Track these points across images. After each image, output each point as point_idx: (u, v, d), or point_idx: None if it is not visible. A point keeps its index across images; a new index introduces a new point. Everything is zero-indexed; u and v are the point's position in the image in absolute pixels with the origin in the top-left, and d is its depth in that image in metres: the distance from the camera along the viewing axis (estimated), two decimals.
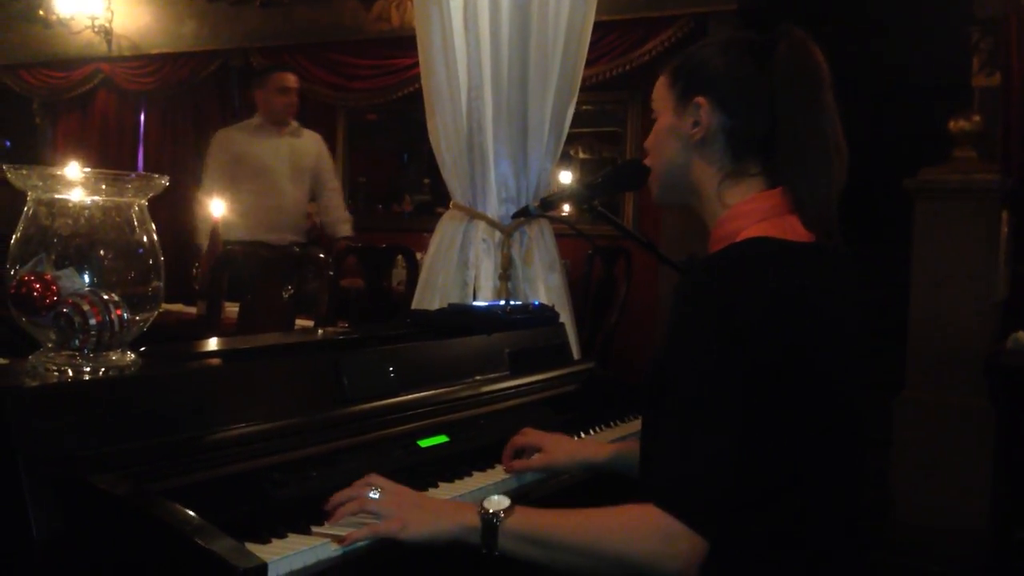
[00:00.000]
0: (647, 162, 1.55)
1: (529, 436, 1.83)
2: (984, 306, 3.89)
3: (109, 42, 7.73)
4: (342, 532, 1.34)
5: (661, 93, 1.49)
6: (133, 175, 1.43)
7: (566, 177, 6.44)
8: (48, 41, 7.99)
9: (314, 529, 1.36)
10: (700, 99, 1.42)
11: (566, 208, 2.69)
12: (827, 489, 1.32)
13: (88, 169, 1.42)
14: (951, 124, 3.99)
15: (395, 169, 7.38)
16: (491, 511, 1.31)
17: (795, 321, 1.27)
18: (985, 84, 4.15)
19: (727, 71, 1.41)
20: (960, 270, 3.90)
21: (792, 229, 1.36)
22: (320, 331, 2.27)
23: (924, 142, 4.22)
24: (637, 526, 1.24)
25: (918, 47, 5.00)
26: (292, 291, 3.48)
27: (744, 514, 1.26)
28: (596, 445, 1.87)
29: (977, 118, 4.01)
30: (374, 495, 1.39)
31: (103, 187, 1.42)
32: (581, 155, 6.58)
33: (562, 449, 1.79)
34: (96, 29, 7.66)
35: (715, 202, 1.43)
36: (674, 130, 1.46)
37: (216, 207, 5.61)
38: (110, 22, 7.69)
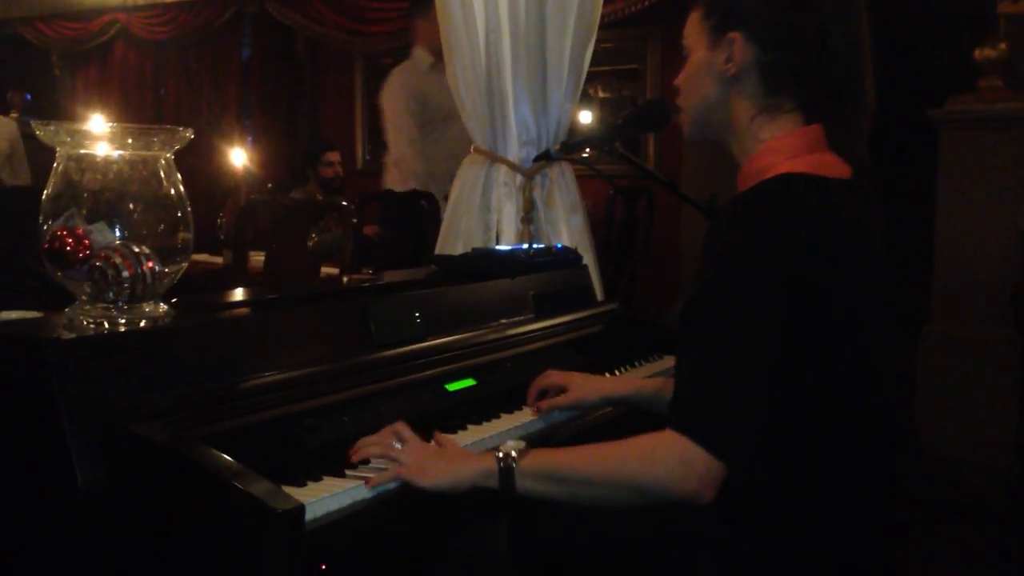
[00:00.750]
0: (679, 101, 1.54)
1: (553, 376, 1.86)
2: (1011, 237, 3.86)
3: None
4: (372, 475, 1.38)
5: (694, 29, 1.48)
6: (159, 129, 1.44)
7: (586, 117, 6.38)
8: None
9: (348, 472, 1.40)
10: (733, 34, 1.41)
11: (587, 150, 2.68)
12: (853, 421, 1.34)
13: (114, 124, 1.43)
14: (976, 53, 3.91)
15: None
16: (507, 453, 1.34)
17: (828, 255, 1.28)
18: (1011, 11, 4.05)
19: (760, 4, 1.39)
20: (986, 201, 3.86)
21: (825, 165, 1.37)
22: (346, 279, 2.29)
23: (949, 71, 4.14)
24: (654, 450, 1.26)
25: None
26: (316, 239, 3.51)
27: (766, 442, 1.27)
28: (621, 381, 1.90)
29: (1003, 46, 3.92)
30: (398, 445, 1.44)
31: (130, 142, 1.43)
32: (601, 94, 6.51)
33: (588, 386, 1.82)
34: None
35: (749, 138, 1.43)
36: (708, 66, 1.45)
37: (237, 157, 5.63)
38: None
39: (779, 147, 1.39)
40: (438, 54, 3.72)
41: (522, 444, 1.37)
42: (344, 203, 3.08)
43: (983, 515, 3.68)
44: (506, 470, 1.33)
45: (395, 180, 4.18)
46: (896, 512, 1.51)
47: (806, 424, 1.31)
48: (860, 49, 1.39)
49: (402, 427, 1.47)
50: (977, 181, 3.87)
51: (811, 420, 1.31)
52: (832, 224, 1.30)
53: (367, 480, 1.36)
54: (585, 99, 6.21)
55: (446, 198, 3.18)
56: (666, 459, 1.24)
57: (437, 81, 3.98)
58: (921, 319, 4.05)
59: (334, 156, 5.23)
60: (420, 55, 4.35)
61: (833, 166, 1.39)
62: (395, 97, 4.29)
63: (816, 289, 1.26)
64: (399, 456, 1.42)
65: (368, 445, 1.45)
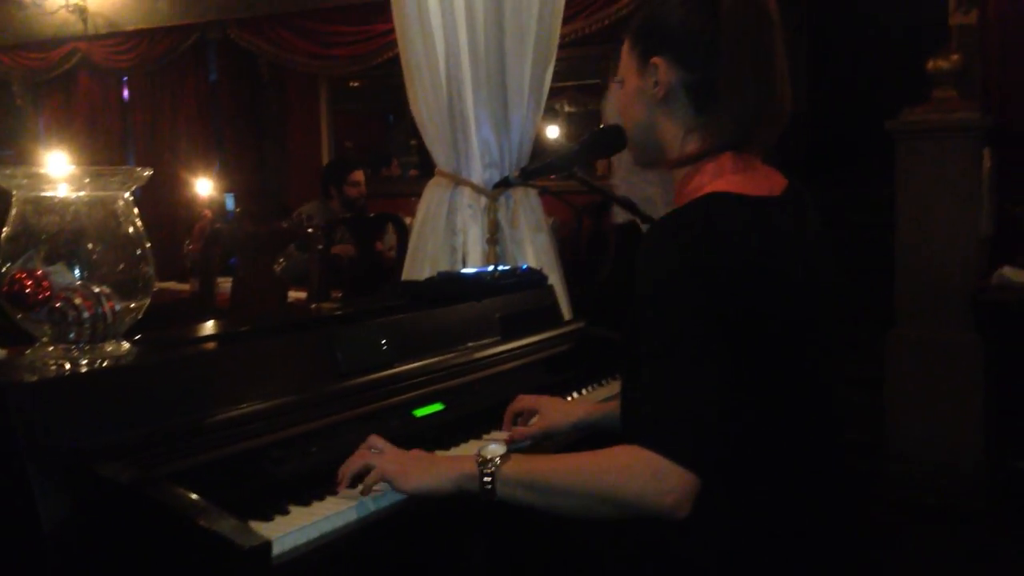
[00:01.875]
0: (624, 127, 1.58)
1: (525, 401, 1.87)
2: (969, 243, 3.92)
3: (84, 20, 7.67)
4: (344, 505, 1.39)
5: (625, 59, 1.52)
6: (116, 169, 1.45)
7: (553, 132, 6.43)
8: (24, 22, 7.93)
9: (316, 504, 1.41)
10: (656, 59, 1.44)
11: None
12: (803, 426, 1.38)
13: (72, 166, 1.44)
14: (930, 64, 3.98)
15: (381, 133, 7.37)
16: (487, 459, 1.36)
17: (754, 270, 1.32)
18: (962, 22, 4.14)
19: (680, 26, 1.43)
20: (944, 208, 3.92)
21: (752, 183, 1.40)
22: (313, 306, 2.29)
23: (904, 82, 4.21)
24: (628, 465, 1.28)
25: None
26: (283, 264, 3.51)
27: (731, 448, 1.31)
28: (588, 405, 1.92)
29: (956, 56, 4.00)
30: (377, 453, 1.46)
31: (87, 182, 1.44)
32: (567, 108, 6.56)
33: (558, 412, 1.83)
34: (70, 8, 7.59)
35: (681, 158, 1.46)
36: (639, 92, 1.48)
37: (204, 183, 5.60)
38: (84, 0, 7.62)
39: (707, 167, 1.42)
40: None
41: (503, 449, 1.38)
42: (309, 229, 3.08)
43: (951, 516, 3.73)
44: (486, 475, 1.35)
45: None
46: (863, 513, 1.54)
47: (756, 431, 1.34)
48: (774, 62, 1.41)
49: (376, 439, 1.49)
50: (934, 189, 3.93)
51: (760, 428, 1.35)
52: (756, 240, 1.33)
53: (362, 489, 1.39)
54: (551, 114, 6.25)
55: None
56: (640, 474, 1.26)
57: None
58: (889, 322, 4.11)
59: (360, 176, 5.17)
60: None
61: (761, 182, 1.42)
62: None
63: (744, 304, 1.30)
64: (381, 462, 1.43)
65: (348, 466, 1.46)
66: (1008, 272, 3.73)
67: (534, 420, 1.83)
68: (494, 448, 1.38)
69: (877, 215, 4.47)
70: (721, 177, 1.40)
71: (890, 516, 3.65)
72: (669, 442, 1.26)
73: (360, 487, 1.42)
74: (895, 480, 3.92)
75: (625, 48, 1.51)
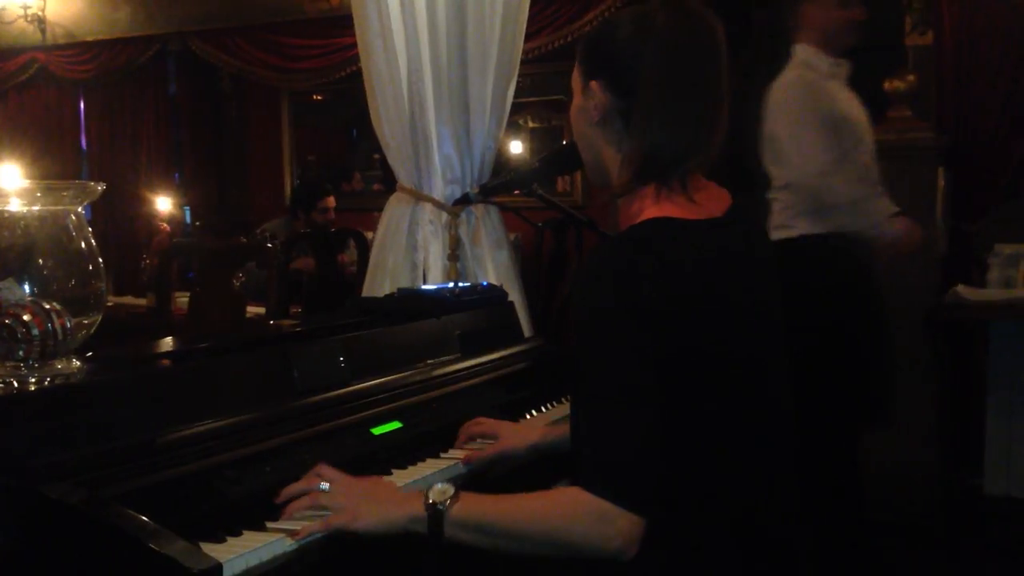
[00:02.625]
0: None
1: (484, 425, 1.86)
2: (924, 262, 3.98)
3: (43, 30, 7.56)
4: (297, 526, 1.37)
5: (574, 77, 1.51)
6: (68, 184, 1.43)
7: (516, 147, 6.44)
8: None
9: (269, 525, 1.39)
10: (593, 83, 1.44)
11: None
12: (752, 459, 1.36)
13: (23, 180, 1.41)
14: (886, 84, 4.05)
15: (344, 147, 7.33)
16: (435, 501, 1.33)
17: (693, 297, 1.30)
18: (918, 43, 4.21)
19: (616, 51, 1.42)
20: None
21: (694, 208, 1.38)
22: (271, 323, 2.27)
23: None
24: (573, 509, 1.27)
25: None
26: (242, 279, 3.47)
27: (676, 488, 1.29)
28: (544, 429, 1.89)
29: (911, 77, 4.07)
30: (324, 487, 1.42)
31: (39, 196, 1.42)
32: (531, 124, 6.57)
33: (516, 436, 1.81)
34: (29, 18, 7.48)
35: (621, 181, 1.44)
36: (582, 111, 1.48)
37: (162, 197, 5.53)
38: (43, 10, 7.51)
39: (646, 192, 1.39)
40: (830, 49, 3.04)
41: (451, 490, 1.34)
42: (268, 244, 3.06)
43: (907, 531, 3.77)
44: (435, 517, 1.33)
45: (789, 216, 3.03)
46: (822, 532, 1.54)
47: (700, 466, 1.33)
48: (708, 92, 1.39)
49: (324, 469, 1.45)
50: None
51: (704, 461, 1.33)
52: (695, 267, 1.31)
53: (299, 531, 1.35)
54: (514, 129, 6.26)
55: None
56: (585, 518, 1.26)
57: (841, 88, 3.10)
58: None
59: (330, 202, 5.09)
60: (810, 54, 3.05)
61: (703, 204, 1.39)
62: (797, 111, 3.02)
63: (684, 335, 1.28)
64: (329, 503, 1.40)
65: (294, 500, 1.42)
66: (962, 290, 3.79)
67: (489, 445, 1.82)
68: (442, 488, 1.35)
69: None
70: (659, 203, 1.37)
71: (843, 532, 3.67)
72: (612, 486, 1.25)
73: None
74: None
75: (575, 67, 1.51)
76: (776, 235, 2.91)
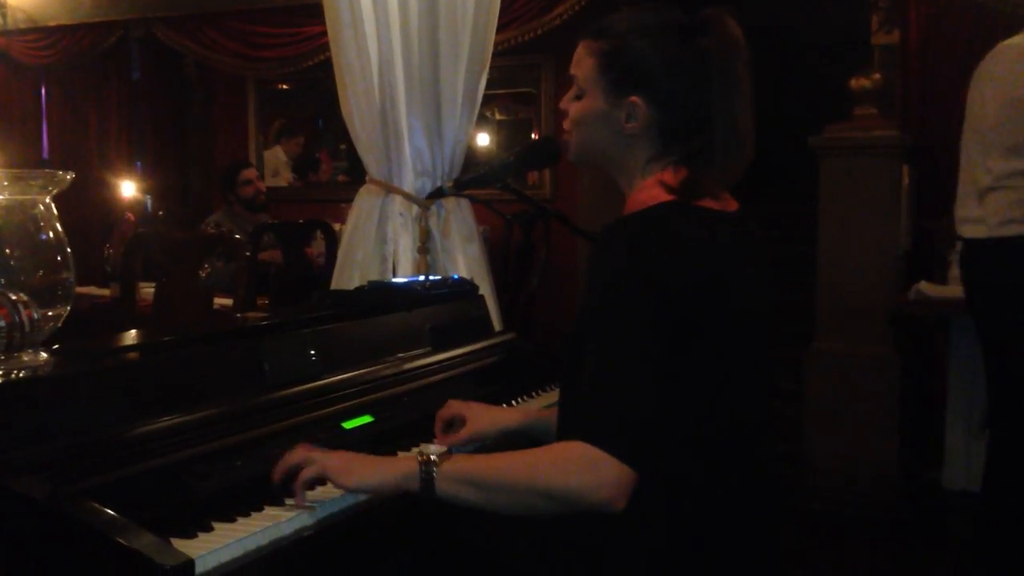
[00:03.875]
0: (567, 125, 1.56)
1: (454, 408, 1.87)
2: (888, 258, 4.03)
3: (4, 15, 7.40)
4: (268, 522, 1.36)
5: (588, 73, 1.48)
6: (37, 173, 1.40)
7: (484, 139, 6.44)
8: None
9: (240, 520, 1.38)
10: (634, 98, 1.44)
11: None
12: (737, 431, 1.42)
13: None
14: (852, 82, 4.09)
15: (311, 137, 7.27)
16: (428, 458, 1.38)
17: (702, 278, 1.35)
18: (884, 41, 4.26)
19: (663, 66, 1.43)
20: (864, 224, 4.03)
21: (709, 201, 1.44)
22: (239, 315, 2.25)
23: (828, 100, 4.32)
24: (565, 458, 1.31)
25: (818, 6, 5.10)
26: (208, 271, 3.44)
27: (668, 448, 1.34)
28: (518, 412, 1.94)
29: (877, 76, 4.12)
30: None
31: (6, 185, 1.39)
32: (498, 116, 6.56)
33: (486, 418, 1.84)
34: None
35: (637, 178, 1.49)
36: (606, 118, 1.47)
37: (126, 184, 5.44)
38: None
39: (660, 183, 1.44)
40: None
41: (443, 448, 1.41)
42: (236, 235, 3.03)
43: (869, 524, 3.83)
44: (427, 473, 1.37)
45: (1003, 207, 2.83)
46: (783, 523, 1.59)
47: (692, 433, 1.37)
48: (744, 105, 1.44)
49: (308, 449, 1.48)
50: (855, 206, 4.03)
51: (696, 430, 1.37)
52: (705, 249, 1.38)
53: (296, 504, 1.39)
54: (483, 121, 6.25)
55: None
56: (577, 467, 1.29)
57: None
58: (809, 337, 4.20)
59: (250, 173, 5.05)
60: None
61: (718, 201, 1.46)
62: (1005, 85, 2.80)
63: (689, 309, 1.34)
64: (325, 465, 1.43)
65: (291, 466, 1.45)
66: (924, 287, 3.84)
67: (462, 429, 1.83)
68: (435, 447, 1.41)
69: (798, 230, 4.57)
70: (674, 192, 1.43)
71: (808, 525, 3.72)
72: (607, 436, 1.28)
73: (292, 500, 1.42)
74: (814, 490, 4.00)
75: (589, 63, 1.48)
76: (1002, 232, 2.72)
